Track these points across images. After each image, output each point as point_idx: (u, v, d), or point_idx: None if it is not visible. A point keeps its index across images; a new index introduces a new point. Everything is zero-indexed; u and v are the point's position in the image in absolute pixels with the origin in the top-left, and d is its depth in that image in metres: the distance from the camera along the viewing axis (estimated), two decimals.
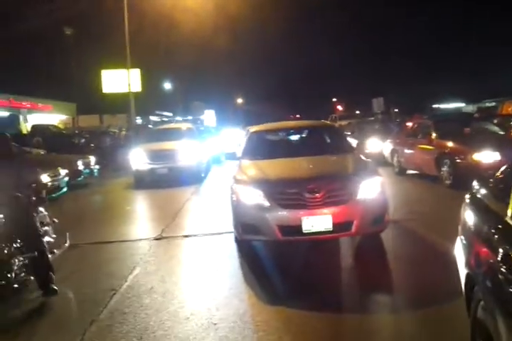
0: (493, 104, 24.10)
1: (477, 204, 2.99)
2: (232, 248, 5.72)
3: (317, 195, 4.88)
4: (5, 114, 29.97)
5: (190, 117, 48.26)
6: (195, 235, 6.58)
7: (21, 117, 20.01)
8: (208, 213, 8.05)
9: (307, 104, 70.26)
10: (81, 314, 4.14)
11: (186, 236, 6.58)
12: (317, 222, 4.82)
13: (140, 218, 8.84)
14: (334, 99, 62.29)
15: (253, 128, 7.29)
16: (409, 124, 11.99)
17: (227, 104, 72.16)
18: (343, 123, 25.09)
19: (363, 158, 6.02)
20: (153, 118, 50.55)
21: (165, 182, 11.80)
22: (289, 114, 56.60)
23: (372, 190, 5.05)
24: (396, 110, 38.10)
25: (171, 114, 54.11)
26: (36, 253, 4.17)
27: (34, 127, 21.29)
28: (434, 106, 37.38)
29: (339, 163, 5.86)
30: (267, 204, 4.98)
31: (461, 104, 37.92)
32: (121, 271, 5.17)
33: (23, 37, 27.01)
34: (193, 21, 29.49)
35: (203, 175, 13.01)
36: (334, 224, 4.81)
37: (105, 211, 9.44)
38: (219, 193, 9.09)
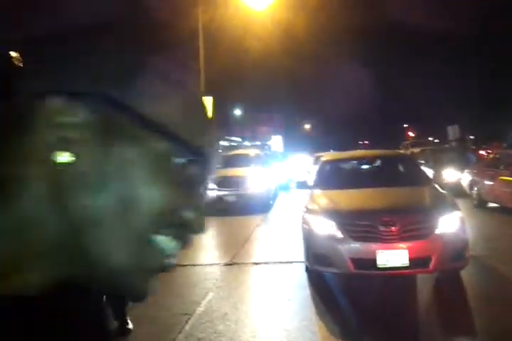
0: None
1: None
2: (303, 278, 5.69)
3: (392, 228, 4.78)
4: None
5: (258, 142, 49.18)
6: (265, 262, 6.61)
7: None
8: (277, 241, 8.08)
9: (376, 130, 69.09)
10: (157, 338, 4.26)
11: (256, 263, 6.64)
12: (393, 256, 4.70)
13: (210, 244, 8.98)
14: (405, 125, 60.90)
15: (325, 157, 7.31)
16: (489, 154, 11.40)
17: (294, 130, 72.60)
18: (416, 150, 24.34)
19: (441, 190, 5.83)
20: (222, 143, 51.89)
21: (233, 209, 11.78)
22: (357, 140, 55.96)
23: (451, 224, 4.87)
24: (472, 137, 36.57)
25: (239, 140, 55.33)
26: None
27: None
28: None
29: (415, 195, 5.70)
30: (339, 235, 4.94)
31: None
32: (194, 295, 5.29)
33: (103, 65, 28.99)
34: (262, 49, 30.28)
35: (271, 202, 12.96)
36: (411, 260, 4.66)
37: None
38: (288, 221, 9.14)
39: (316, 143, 68.27)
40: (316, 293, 5.20)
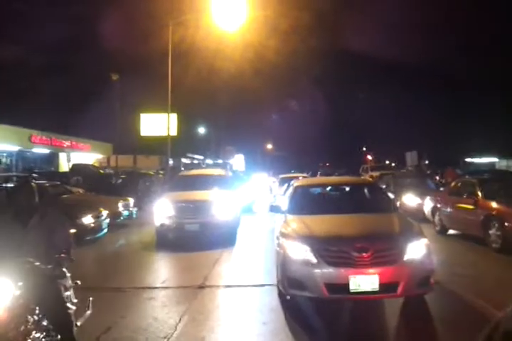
0: None
1: None
2: (276, 301, 5.82)
3: (365, 254, 5.02)
4: (46, 151, 31.32)
5: (220, 161, 49.32)
6: (237, 285, 6.72)
7: (65, 156, 20.87)
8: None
9: (336, 152, 70.76)
10: None
11: (228, 286, 6.72)
12: (364, 281, 4.92)
13: (180, 264, 8.74)
14: (364, 149, 62.63)
15: (297, 183, 7.55)
16: (441, 180, 11.87)
17: (257, 149, 73.34)
18: (375, 174, 25.18)
19: (407, 218, 6.16)
20: (184, 160, 51.74)
21: (195, 240, 10.09)
22: (318, 162, 57.02)
23: (418, 251, 5.16)
24: (426, 162, 38.10)
25: (201, 157, 55.33)
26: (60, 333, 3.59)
27: (74, 166, 22.08)
28: (467, 159, 37.19)
29: (385, 222, 5.99)
30: (314, 260, 5.13)
31: (494, 159, 37.74)
32: (169, 318, 5.32)
33: (73, 82, 28.81)
34: (228, 70, 30.89)
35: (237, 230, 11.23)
36: (381, 285, 4.90)
37: (145, 254, 9.58)
38: (257, 255, 8.87)
39: (279, 164, 69.26)
40: (290, 316, 5.33)
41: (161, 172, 26.28)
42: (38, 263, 3.42)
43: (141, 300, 6.18)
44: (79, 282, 4.07)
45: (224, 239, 9.98)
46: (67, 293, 3.85)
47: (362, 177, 11.02)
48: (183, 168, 32.46)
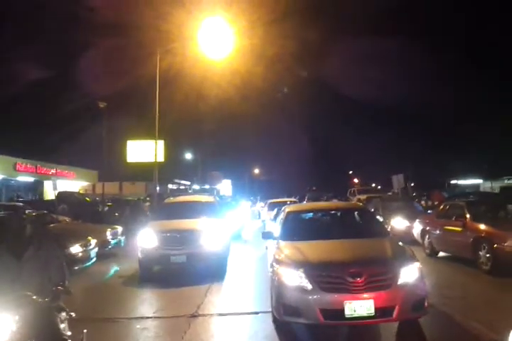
0: None
1: None
2: (270, 328, 5.77)
3: (359, 279, 5.05)
4: (30, 179, 31.01)
5: (207, 186, 49.24)
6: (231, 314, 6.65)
7: (51, 183, 20.67)
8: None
9: (323, 176, 71.21)
10: None
11: (222, 314, 6.65)
12: (359, 306, 4.93)
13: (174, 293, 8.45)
14: (350, 172, 63.22)
15: (289, 209, 7.59)
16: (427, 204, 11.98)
17: (244, 174, 73.49)
18: (362, 197, 25.36)
19: (399, 242, 6.22)
20: (171, 186, 51.55)
21: (181, 273, 9.57)
22: (305, 186, 57.25)
23: (412, 275, 5.21)
24: (412, 184, 38.51)
25: (188, 183, 55.17)
26: None
27: (60, 194, 21.83)
28: (453, 182, 37.72)
29: (378, 247, 6.04)
30: (309, 286, 5.13)
31: (478, 181, 38.30)
32: None
33: (62, 110, 28.91)
34: (215, 96, 31.32)
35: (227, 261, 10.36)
36: (376, 309, 4.92)
37: (136, 284, 9.37)
38: (249, 288, 8.35)
39: (266, 188, 69.35)
40: None
41: (148, 199, 26.09)
42: (35, 297, 3.36)
43: (134, 330, 6.08)
44: (73, 314, 3.94)
45: (213, 270, 9.39)
46: (63, 326, 3.75)
47: (352, 202, 11.13)
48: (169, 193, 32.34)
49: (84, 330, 4.09)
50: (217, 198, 15.74)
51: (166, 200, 14.13)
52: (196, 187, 49.25)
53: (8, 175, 28.11)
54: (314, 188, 54.99)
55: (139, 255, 9.56)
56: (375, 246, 6.11)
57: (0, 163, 27.25)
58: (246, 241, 16.32)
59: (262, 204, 32.18)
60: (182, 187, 54.09)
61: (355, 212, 7.66)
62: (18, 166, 28.71)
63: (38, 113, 29.58)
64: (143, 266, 9.58)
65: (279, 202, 21.04)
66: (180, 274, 9.54)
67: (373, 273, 5.13)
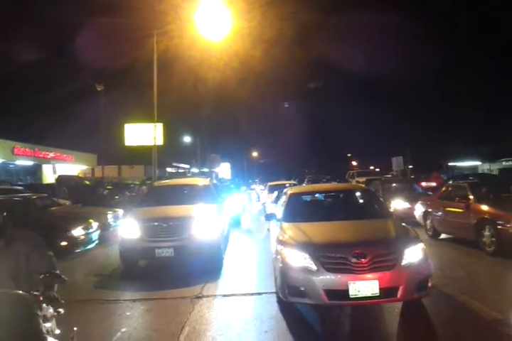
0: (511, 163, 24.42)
1: None
2: (275, 309, 5.82)
3: (363, 260, 5.07)
4: (29, 163, 30.94)
5: (205, 169, 49.26)
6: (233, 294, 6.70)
7: (51, 167, 20.61)
8: None
9: (321, 158, 71.26)
10: None
11: (225, 295, 6.70)
12: (364, 287, 4.96)
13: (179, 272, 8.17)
14: (349, 154, 63.21)
15: (291, 191, 7.58)
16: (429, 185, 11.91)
17: (243, 157, 73.42)
18: (361, 180, 25.42)
19: (403, 223, 6.23)
20: (169, 169, 51.56)
21: (168, 269, 8.41)
22: (303, 168, 57.30)
23: (416, 256, 5.24)
24: (410, 167, 38.56)
25: (187, 166, 55.15)
26: None
27: (60, 177, 21.79)
28: (450, 164, 37.77)
29: (381, 228, 6.05)
30: (313, 267, 5.16)
31: (476, 163, 38.36)
32: (170, 329, 5.29)
33: (59, 93, 28.63)
34: (213, 79, 31.03)
35: (223, 255, 9.10)
36: (381, 290, 4.95)
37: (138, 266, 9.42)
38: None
39: (264, 171, 69.45)
40: (290, 323, 5.34)
41: (148, 182, 26.09)
42: (14, 292, 3.02)
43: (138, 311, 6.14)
44: (62, 310, 3.45)
45: (206, 266, 8.16)
46: (48, 325, 3.31)
47: (354, 184, 11.18)
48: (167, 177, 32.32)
49: (75, 328, 3.62)
50: (215, 181, 14.50)
51: (156, 183, 13.05)
52: (195, 170, 49.26)
53: (6, 159, 28.03)
54: (307, 171, 55.05)
55: (120, 247, 8.42)
56: (379, 227, 6.12)
57: None
58: (245, 227, 15.42)
59: (262, 186, 32.24)
60: (181, 170, 54.10)
61: (358, 194, 7.66)
62: (16, 150, 28.61)
63: (34, 96, 29.34)
64: (124, 259, 8.42)
65: (279, 184, 21.06)
66: (170, 267, 8.47)
67: (377, 253, 5.15)
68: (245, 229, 14.91)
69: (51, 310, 3.37)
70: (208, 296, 6.64)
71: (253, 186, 47.39)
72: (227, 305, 6.30)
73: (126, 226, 8.51)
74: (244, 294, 6.69)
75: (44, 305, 3.23)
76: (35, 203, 11.71)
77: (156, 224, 8.27)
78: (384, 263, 5.12)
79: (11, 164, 29.64)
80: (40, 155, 31.62)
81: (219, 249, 8.53)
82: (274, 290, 6.21)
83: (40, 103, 30.30)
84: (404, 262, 5.14)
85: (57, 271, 3.26)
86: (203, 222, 8.31)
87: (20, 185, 21.14)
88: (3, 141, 27.40)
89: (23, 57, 27.75)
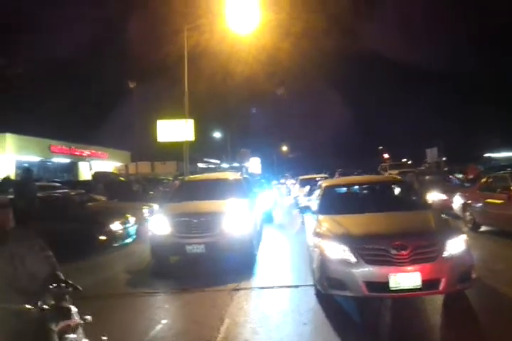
0: None
1: None
2: (313, 301, 5.81)
3: (403, 252, 4.99)
4: (66, 161, 31.78)
5: (236, 164, 49.43)
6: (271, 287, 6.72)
7: (88, 164, 21.14)
8: None
9: (352, 152, 70.51)
10: None
11: (262, 287, 6.73)
12: (405, 279, 4.89)
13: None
14: (380, 147, 62.28)
15: (326, 183, 7.54)
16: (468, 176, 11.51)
17: (272, 152, 73.39)
18: (394, 172, 25.01)
19: (443, 215, 6.11)
20: (200, 165, 52.00)
21: (199, 265, 8.32)
22: (333, 162, 56.75)
23: (458, 247, 5.13)
24: (444, 159, 37.69)
25: (218, 161, 55.49)
26: None
27: (96, 174, 22.32)
28: (486, 155, 36.69)
29: (421, 219, 5.95)
30: (353, 259, 5.12)
31: None
32: (209, 321, 5.35)
33: (93, 91, 29.25)
34: (243, 73, 30.97)
35: (256, 252, 8.85)
36: (423, 282, 4.87)
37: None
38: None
39: (294, 165, 69.26)
40: (328, 315, 5.32)
41: (180, 177, 26.41)
42: (18, 307, 2.70)
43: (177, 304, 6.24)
44: (89, 318, 3.09)
45: (239, 262, 7.99)
46: (72, 336, 2.93)
47: (389, 175, 11.07)
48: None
49: (104, 337, 3.23)
50: (247, 176, 13.88)
51: (186, 178, 12.97)
52: (225, 165, 49.52)
53: (44, 156, 28.87)
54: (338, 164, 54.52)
55: (150, 243, 8.41)
56: (418, 218, 6.02)
57: (36, 145, 27.99)
58: (278, 222, 15.20)
59: (293, 181, 32.16)
60: (212, 165, 54.47)
61: (394, 186, 7.55)
62: (52, 148, 29.44)
63: (68, 94, 30.02)
64: (155, 255, 8.40)
65: (310, 178, 20.98)
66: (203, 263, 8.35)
67: (418, 245, 5.06)
68: (278, 224, 14.82)
69: (77, 317, 3.02)
70: (245, 289, 6.69)
71: (282, 180, 47.36)
72: (265, 298, 6.34)
73: (157, 222, 8.46)
74: (281, 286, 6.72)
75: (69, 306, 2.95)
76: (74, 199, 12.04)
77: (186, 219, 8.14)
78: (425, 254, 5.03)
79: (49, 162, 30.51)
80: (76, 153, 32.46)
81: (251, 244, 8.33)
82: (310, 283, 6.20)
83: (75, 101, 31.02)
84: (446, 253, 5.04)
85: (58, 272, 3.03)
86: (234, 218, 8.17)
87: (57, 182, 21.75)
88: (40, 139, 28.23)
89: (57, 54, 28.39)
